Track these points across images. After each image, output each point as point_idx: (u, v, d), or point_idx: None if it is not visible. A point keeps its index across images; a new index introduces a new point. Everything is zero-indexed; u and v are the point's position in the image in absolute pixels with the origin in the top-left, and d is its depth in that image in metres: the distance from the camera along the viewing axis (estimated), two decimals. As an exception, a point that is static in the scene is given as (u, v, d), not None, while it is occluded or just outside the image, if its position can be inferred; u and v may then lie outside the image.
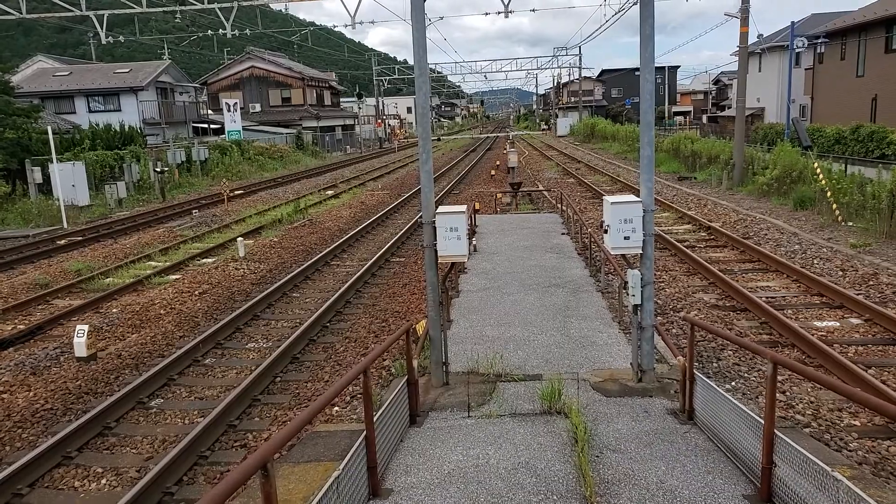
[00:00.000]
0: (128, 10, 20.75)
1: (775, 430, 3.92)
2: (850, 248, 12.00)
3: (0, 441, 6.36)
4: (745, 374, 6.90)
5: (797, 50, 28.73)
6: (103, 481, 5.67)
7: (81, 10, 19.85)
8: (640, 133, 6.02)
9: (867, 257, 11.21)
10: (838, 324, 8.34)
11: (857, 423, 5.76)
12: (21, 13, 19.46)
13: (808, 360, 7.19)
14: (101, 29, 20.46)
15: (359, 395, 6.58)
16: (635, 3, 5.98)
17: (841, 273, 10.53)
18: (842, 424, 5.72)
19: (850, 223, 13.97)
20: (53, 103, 37.08)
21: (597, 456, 4.71)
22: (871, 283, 9.87)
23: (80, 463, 5.93)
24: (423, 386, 6.12)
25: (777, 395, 6.06)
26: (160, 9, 22.50)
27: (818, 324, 8.36)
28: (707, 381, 5.12)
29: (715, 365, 7.18)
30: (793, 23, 28.70)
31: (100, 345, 8.70)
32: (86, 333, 8.20)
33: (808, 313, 8.79)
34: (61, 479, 5.72)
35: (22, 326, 9.76)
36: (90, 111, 37.26)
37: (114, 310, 10.39)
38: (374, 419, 4.33)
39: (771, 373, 3.86)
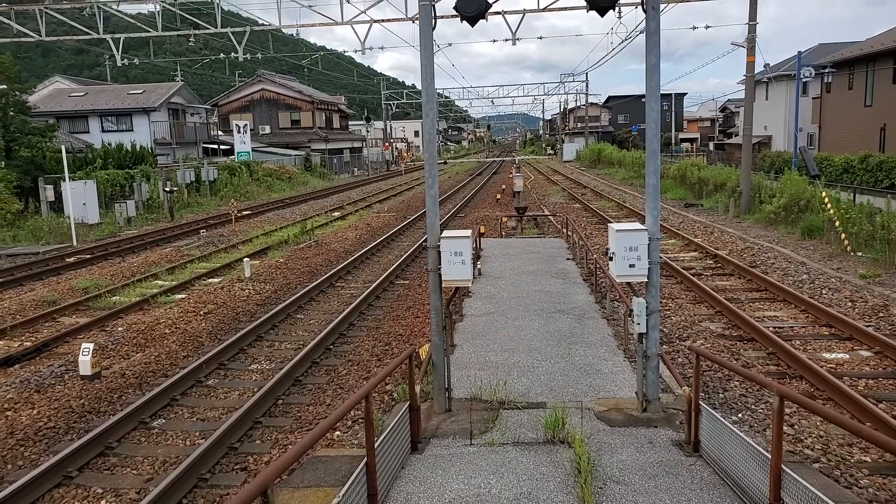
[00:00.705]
0: (143, 34, 21.11)
1: (783, 466, 3.86)
2: (859, 278, 11.91)
3: (3, 459, 6.34)
4: (753, 406, 6.81)
5: (804, 79, 28.88)
6: (103, 503, 5.63)
7: (99, 34, 20.19)
8: (645, 161, 6.04)
9: (877, 288, 11.12)
10: (848, 356, 8.25)
11: (867, 458, 5.65)
12: (40, 36, 19.84)
13: (816, 393, 7.09)
14: (117, 51, 20.80)
15: (360, 420, 6.53)
16: (642, 33, 6.05)
17: (850, 304, 10.44)
18: (852, 460, 5.62)
19: (860, 253, 13.89)
20: (68, 123, 37.68)
21: (600, 487, 4.65)
22: (882, 314, 9.77)
23: (80, 483, 5.90)
24: (425, 412, 6.08)
25: (785, 428, 5.98)
26: (175, 32, 22.88)
27: (827, 356, 8.27)
28: (713, 412, 5.06)
29: (721, 395, 7.10)
30: (799, 52, 28.88)
31: (104, 363, 8.71)
32: (91, 352, 8.21)
33: (817, 345, 8.70)
34: (61, 499, 5.68)
35: (28, 343, 9.78)
36: (103, 131, 37.81)
37: (119, 328, 10.42)
38: (376, 445, 4.29)
39: (777, 406, 3.81)
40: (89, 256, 16.88)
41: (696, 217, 21.63)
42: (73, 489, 5.81)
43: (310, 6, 20.93)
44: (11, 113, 23.52)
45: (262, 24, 22.05)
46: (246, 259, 14.45)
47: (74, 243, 18.86)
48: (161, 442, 6.75)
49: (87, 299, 12.31)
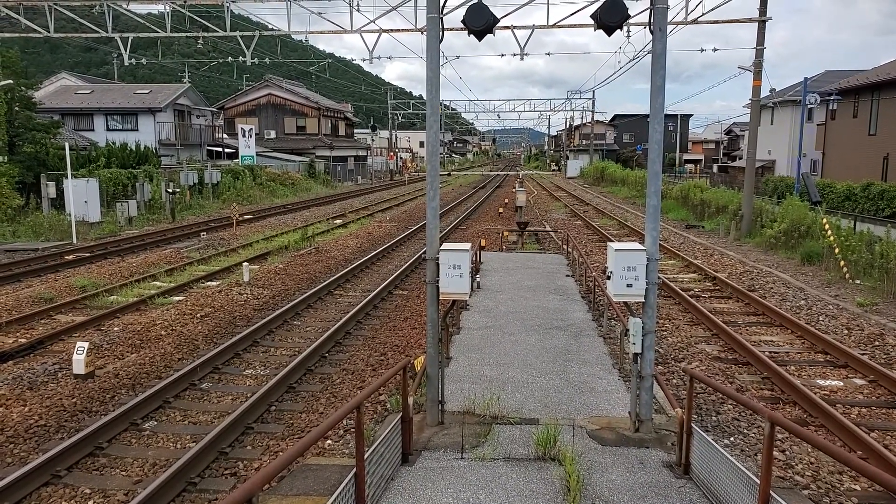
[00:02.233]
0: (152, 35, 21.26)
1: (772, 491, 3.85)
2: (856, 306, 11.92)
3: (-10, 456, 6.32)
4: (745, 430, 6.80)
5: (809, 105, 29.00)
6: (90, 503, 5.60)
7: (108, 32, 20.32)
8: (647, 182, 6.06)
9: (874, 317, 11.12)
10: (842, 383, 8.24)
11: (857, 487, 5.63)
12: (49, 32, 19.96)
13: (809, 420, 7.08)
14: (125, 51, 20.92)
15: (352, 429, 6.51)
16: (649, 53, 6.10)
17: (846, 331, 10.44)
18: (841, 488, 5.60)
19: (858, 281, 13.90)
20: (73, 120, 37.81)
21: (589, 507, 4.63)
22: (877, 343, 9.77)
23: (68, 483, 5.87)
24: (417, 424, 6.06)
25: (776, 453, 5.98)
26: (183, 34, 23.04)
27: (821, 382, 8.26)
28: (705, 435, 5.05)
29: (714, 419, 7.09)
30: (806, 78, 29.06)
31: (98, 363, 8.69)
32: (85, 351, 8.20)
33: (812, 371, 8.69)
34: (48, 498, 5.66)
35: (23, 340, 9.77)
36: (108, 129, 37.93)
37: (115, 328, 10.41)
38: (366, 456, 4.28)
39: (768, 432, 3.81)
40: (88, 255, 16.88)
41: (696, 238, 21.66)
42: (62, 489, 5.79)
43: (319, 13, 21.13)
44: (16, 108, 23.60)
45: (272, 30, 22.22)
46: (245, 263, 14.46)
47: (74, 241, 18.88)
48: (152, 444, 6.73)
49: (84, 298, 12.30)
